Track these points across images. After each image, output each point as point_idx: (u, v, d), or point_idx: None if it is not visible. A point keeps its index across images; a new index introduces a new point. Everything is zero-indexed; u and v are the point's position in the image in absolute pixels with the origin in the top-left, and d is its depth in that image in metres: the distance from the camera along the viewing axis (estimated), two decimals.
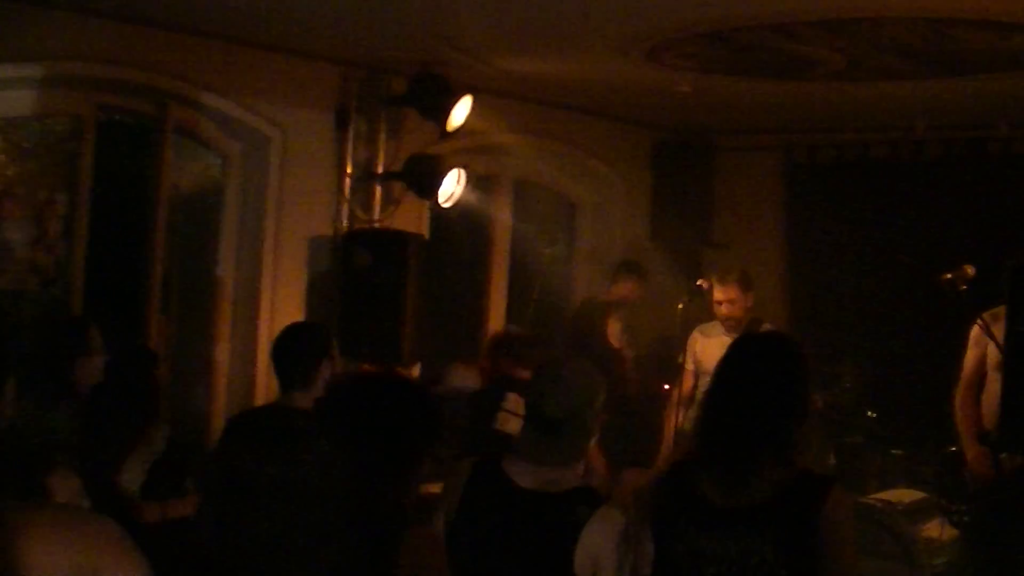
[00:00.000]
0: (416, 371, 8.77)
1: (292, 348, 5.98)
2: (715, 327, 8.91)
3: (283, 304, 8.61)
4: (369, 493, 3.27)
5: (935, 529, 7.72)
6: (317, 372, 5.83)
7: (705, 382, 8.71)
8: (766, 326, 8.83)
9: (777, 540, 3.91)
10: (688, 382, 8.96)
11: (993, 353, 7.18)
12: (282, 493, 2.61)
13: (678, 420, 8.78)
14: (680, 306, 8.70)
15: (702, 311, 8.99)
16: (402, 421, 3.68)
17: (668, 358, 9.33)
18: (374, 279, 8.48)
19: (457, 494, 4.53)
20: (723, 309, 8.77)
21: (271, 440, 2.70)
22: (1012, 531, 6.85)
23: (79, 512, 2.06)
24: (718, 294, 8.76)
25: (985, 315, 7.23)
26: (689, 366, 8.96)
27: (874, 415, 8.96)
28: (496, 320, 10.45)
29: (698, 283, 8.73)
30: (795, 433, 4.05)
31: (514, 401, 7.26)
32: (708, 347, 8.85)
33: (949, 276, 7.36)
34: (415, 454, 3.69)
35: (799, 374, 4.13)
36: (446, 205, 8.93)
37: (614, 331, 10.15)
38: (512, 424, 7.12)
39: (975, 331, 7.41)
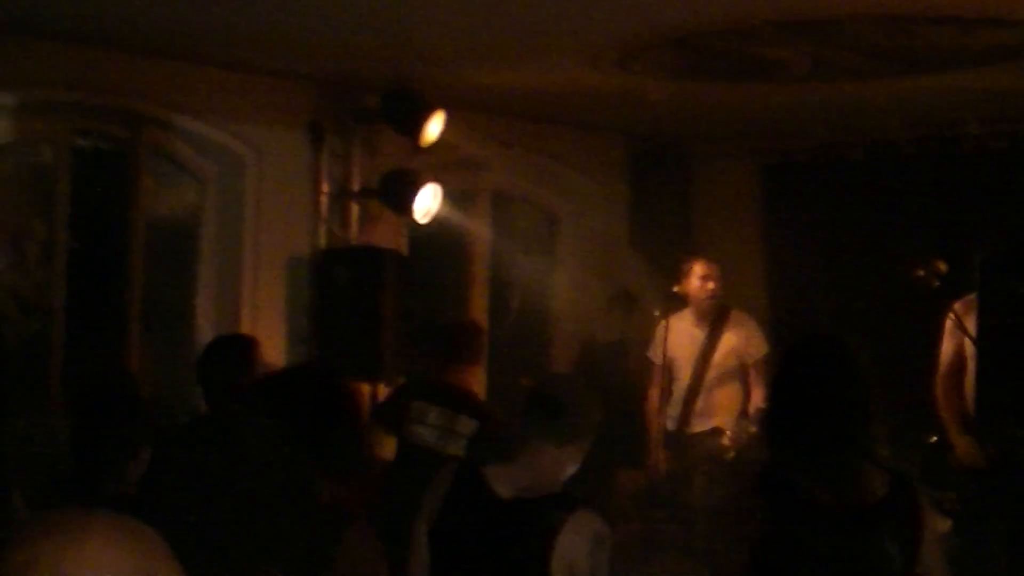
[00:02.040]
0: None
1: (212, 365, 5.98)
2: (684, 317, 8.91)
3: (263, 323, 8.62)
4: (303, 491, 3.28)
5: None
6: (235, 389, 5.64)
7: (680, 376, 8.82)
8: (735, 311, 8.89)
9: (896, 535, 4.11)
10: (661, 377, 8.92)
11: (970, 344, 7.24)
12: (220, 490, 2.65)
13: (661, 418, 8.82)
14: (657, 313, 8.71)
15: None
16: (322, 416, 3.72)
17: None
18: (352, 296, 8.50)
19: (438, 501, 4.55)
20: (709, 285, 8.80)
21: (207, 441, 2.75)
22: (1006, 515, 6.95)
23: (130, 519, 2.09)
24: (701, 269, 8.76)
25: (957, 305, 7.31)
26: (658, 360, 8.91)
27: None
28: None
29: (675, 289, 8.73)
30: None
31: (471, 428, 7.19)
32: (680, 337, 8.85)
33: (922, 272, 7.42)
34: (344, 449, 3.71)
35: (867, 375, 4.29)
36: (423, 221, 8.95)
37: (634, 370, 10.21)
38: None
39: (949, 323, 7.48)
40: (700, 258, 8.85)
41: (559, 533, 4.28)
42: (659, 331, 8.83)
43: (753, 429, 8.26)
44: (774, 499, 4.19)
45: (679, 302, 8.80)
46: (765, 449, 4.53)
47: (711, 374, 8.81)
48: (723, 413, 8.72)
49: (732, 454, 8.45)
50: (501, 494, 4.46)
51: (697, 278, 8.76)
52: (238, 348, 6.09)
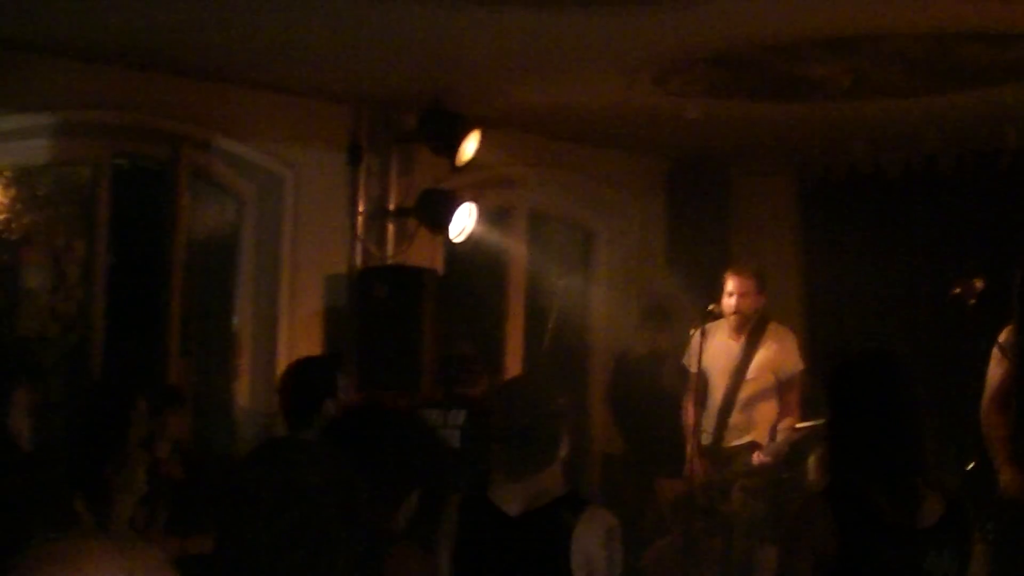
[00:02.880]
0: None
1: (295, 387, 5.90)
2: (719, 327, 8.84)
3: (301, 342, 8.65)
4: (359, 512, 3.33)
5: None
6: (320, 412, 5.68)
7: (715, 388, 8.77)
8: (773, 325, 8.81)
9: (955, 555, 4.17)
10: (696, 386, 8.87)
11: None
12: (284, 503, 2.68)
13: (697, 430, 8.80)
14: (692, 331, 8.68)
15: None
16: (403, 454, 3.80)
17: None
18: (391, 315, 8.53)
19: (453, 531, 4.61)
20: (732, 301, 8.59)
21: (276, 455, 2.79)
22: None
23: (129, 540, 2.10)
24: (730, 284, 8.63)
25: (1002, 336, 7.21)
26: (694, 368, 8.86)
27: None
28: (514, 350, 10.48)
29: (710, 308, 8.68)
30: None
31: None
32: (716, 349, 8.80)
33: (958, 290, 7.38)
34: (409, 485, 3.80)
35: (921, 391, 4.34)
36: (459, 239, 8.97)
37: (670, 383, 10.20)
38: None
39: (996, 349, 7.34)
40: (733, 272, 8.71)
41: (573, 533, 4.41)
42: (695, 340, 8.76)
43: (789, 442, 8.23)
44: (840, 513, 4.17)
45: (715, 319, 8.75)
46: (825, 464, 4.50)
47: (746, 387, 8.73)
48: (759, 428, 8.66)
49: (768, 469, 8.42)
50: (511, 513, 4.53)
51: (726, 292, 8.68)
52: (321, 374, 5.92)
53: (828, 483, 4.38)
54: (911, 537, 4.15)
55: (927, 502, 4.19)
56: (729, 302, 8.61)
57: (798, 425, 8.28)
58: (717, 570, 8.92)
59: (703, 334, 8.63)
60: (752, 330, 8.72)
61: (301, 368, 6.11)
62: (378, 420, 3.97)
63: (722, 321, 8.78)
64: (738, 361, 8.74)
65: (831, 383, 4.43)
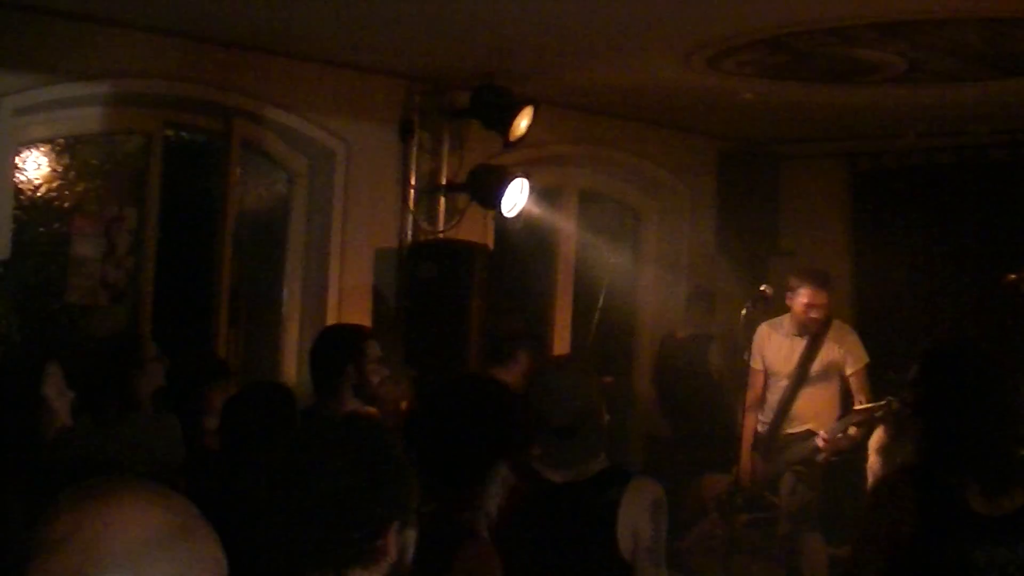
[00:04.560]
0: None
1: (318, 354, 6.04)
2: (782, 325, 8.85)
3: (350, 316, 8.65)
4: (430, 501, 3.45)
5: None
6: (343, 379, 5.82)
7: (777, 384, 8.76)
8: (836, 322, 8.81)
9: None
10: (758, 383, 8.92)
11: None
12: (299, 481, 2.70)
13: (753, 422, 8.81)
14: (743, 312, 8.66)
15: (765, 316, 8.95)
16: (490, 428, 3.87)
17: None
18: (440, 290, 8.54)
19: (497, 498, 4.62)
20: (813, 314, 8.63)
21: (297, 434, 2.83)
22: None
23: (158, 484, 2.12)
24: (808, 297, 8.60)
25: None
26: (757, 365, 8.90)
27: None
28: (562, 330, 10.48)
29: (761, 288, 8.67)
30: None
31: None
32: (779, 347, 8.81)
33: (1013, 277, 7.33)
34: (487, 465, 3.83)
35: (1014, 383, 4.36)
36: (510, 215, 8.97)
37: (715, 365, 10.21)
38: None
39: None
40: (810, 283, 8.67)
41: (620, 505, 4.43)
42: (757, 337, 8.80)
43: (852, 431, 8.21)
44: (925, 500, 4.19)
45: (765, 302, 8.73)
46: (914, 450, 4.46)
47: (808, 383, 8.75)
48: (817, 418, 8.66)
49: (824, 456, 8.41)
50: (555, 480, 4.57)
51: (802, 303, 8.66)
52: (344, 341, 6.05)
53: (912, 465, 4.38)
54: (989, 526, 4.13)
55: (1015, 491, 4.18)
56: (810, 314, 8.62)
57: (856, 408, 8.27)
58: (759, 557, 8.93)
59: (766, 332, 8.72)
60: (816, 329, 8.73)
61: (326, 335, 6.29)
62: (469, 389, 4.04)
63: (784, 319, 8.80)
64: (803, 358, 8.75)
65: (924, 368, 4.43)
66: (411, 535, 2.78)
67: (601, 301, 10.30)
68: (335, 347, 6.00)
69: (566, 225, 10.48)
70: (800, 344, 8.78)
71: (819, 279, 8.66)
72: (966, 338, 6.18)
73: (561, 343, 10.39)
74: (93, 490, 2.04)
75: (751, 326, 8.82)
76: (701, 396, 10.13)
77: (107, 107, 7.86)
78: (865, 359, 8.65)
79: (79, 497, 2.02)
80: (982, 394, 4.25)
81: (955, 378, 4.35)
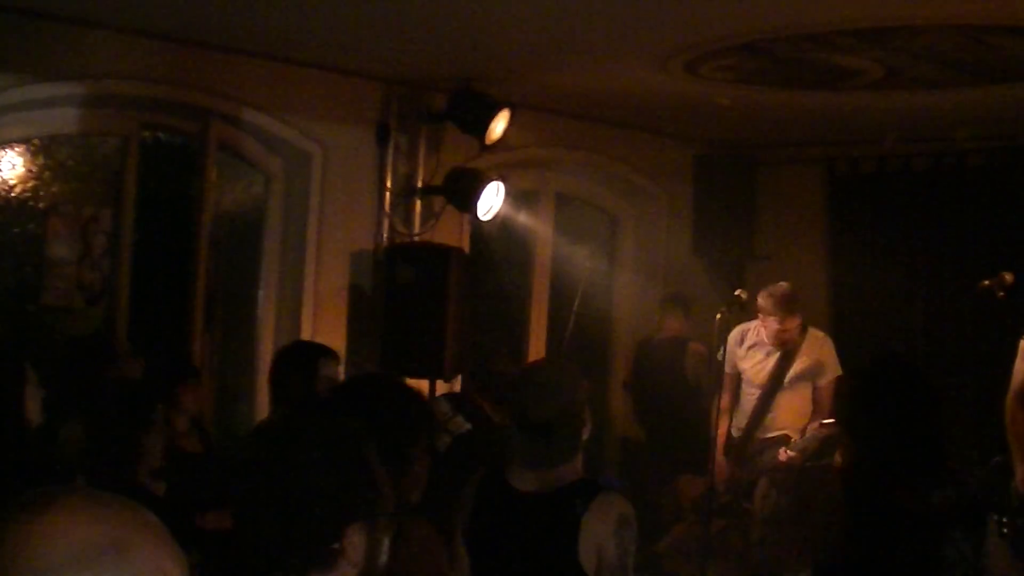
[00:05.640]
0: (458, 384, 8.80)
1: (273, 369, 6.36)
2: (758, 332, 8.88)
3: (325, 318, 8.66)
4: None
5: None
6: (295, 394, 6.06)
7: (750, 390, 8.80)
8: (812, 331, 8.84)
9: (968, 539, 4.39)
10: (732, 388, 8.95)
11: None
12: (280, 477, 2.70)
13: (726, 426, 8.83)
14: (719, 316, 8.67)
15: (740, 321, 8.96)
16: (396, 422, 3.78)
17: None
18: (416, 293, 8.52)
19: (469, 506, 4.62)
20: (783, 336, 8.71)
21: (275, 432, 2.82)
22: None
23: (113, 495, 2.07)
24: (780, 324, 8.68)
25: None
26: (730, 370, 8.93)
27: None
28: (538, 333, 10.49)
29: (736, 293, 8.69)
30: None
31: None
32: (751, 354, 8.86)
33: (987, 283, 7.34)
34: (407, 453, 3.78)
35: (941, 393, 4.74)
36: (486, 218, 8.98)
37: (691, 369, 10.22)
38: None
39: (1022, 344, 7.31)
40: (779, 310, 8.69)
41: (583, 519, 4.36)
42: (730, 342, 8.81)
43: (822, 434, 8.23)
44: (857, 496, 4.36)
45: (740, 307, 8.74)
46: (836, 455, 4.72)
47: (783, 389, 8.79)
48: (790, 424, 8.70)
49: (798, 461, 8.44)
50: (523, 489, 4.52)
51: (773, 329, 8.70)
52: (306, 358, 6.26)
53: (844, 467, 4.62)
54: (925, 520, 4.29)
55: (938, 491, 4.33)
56: (781, 336, 8.67)
57: (826, 421, 8.29)
58: (734, 562, 8.95)
59: (741, 337, 8.75)
60: (792, 343, 8.77)
61: (282, 351, 6.62)
62: (376, 391, 4.00)
63: (760, 326, 8.82)
64: (778, 365, 8.79)
65: (852, 382, 4.80)
66: (384, 540, 2.77)
67: (577, 304, 10.29)
68: (288, 364, 6.29)
69: (542, 228, 10.48)
70: (775, 353, 8.82)
71: (788, 306, 8.69)
72: (896, 354, 6.34)
73: (537, 346, 10.40)
74: (25, 503, 2.00)
75: (726, 330, 8.83)
76: (677, 400, 10.14)
77: (84, 108, 7.83)
78: (838, 371, 8.67)
79: (8, 510, 1.99)
80: (903, 408, 4.47)
81: (878, 393, 4.58)
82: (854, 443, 4.56)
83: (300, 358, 6.28)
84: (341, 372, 6.58)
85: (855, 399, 4.69)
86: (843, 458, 4.71)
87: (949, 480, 4.41)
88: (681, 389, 10.18)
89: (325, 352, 6.38)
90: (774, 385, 8.78)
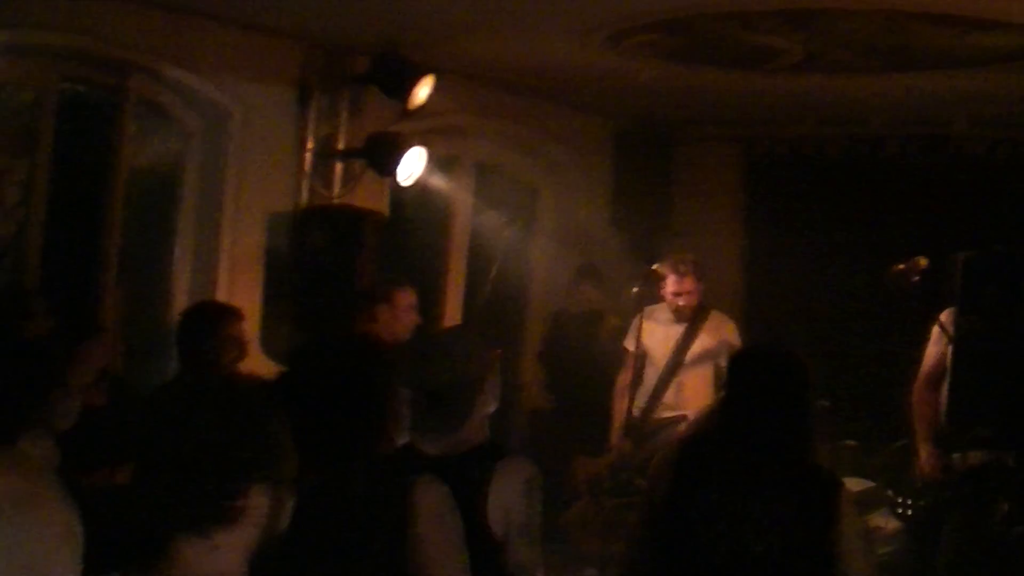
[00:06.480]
0: None
1: (179, 328, 6.62)
2: (662, 311, 8.95)
3: (240, 278, 8.60)
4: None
5: (880, 520, 7.80)
6: (199, 353, 6.31)
7: (652, 368, 8.85)
8: (714, 312, 8.90)
9: (801, 512, 4.77)
10: (632, 366, 8.99)
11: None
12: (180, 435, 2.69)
13: (626, 405, 8.85)
14: (634, 291, 8.72)
15: (654, 296, 9.01)
16: (363, 382, 3.92)
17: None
18: (331, 255, 8.49)
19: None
20: (679, 301, 8.79)
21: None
22: (955, 531, 6.92)
23: (18, 450, 2.08)
24: (673, 285, 8.76)
25: (943, 315, 7.21)
26: (632, 347, 8.96)
27: (827, 405, 9.01)
28: (453, 300, 10.49)
29: (652, 268, 8.74)
30: None
31: None
32: (654, 333, 8.90)
33: (901, 267, 7.40)
34: (380, 408, 3.92)
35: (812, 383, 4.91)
36: (406, 183, 8.96)
37: (604, 343, 10.24)
38: None
39: (935, 330, 7.35)
40: (674, 271, 8.77)
41: (491, 481, 4.37)
42: (635, 321, 8.86)
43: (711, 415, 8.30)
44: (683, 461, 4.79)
45: (655, 283, 8.79)
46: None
47: (683, 370, 8.86)
48: (691, 405, 8.76)
49: None
50: (429, 452, 4.51)
51: (668, 291, 8.78)
52: (210, 318, 6.45)
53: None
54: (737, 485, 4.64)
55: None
56: (676, 301, 8.74)
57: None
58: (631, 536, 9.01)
59: (643, 316, 8.78)
60: (693, 317, 8.83)
61: (188, 311, 6.87)
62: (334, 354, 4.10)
63: (663, 305, 8.88)
64: (678, 344, 8.85)
65: (730, 367, 5.06)
66: (287, 502, 2.77)
67: (493, 274, 10.30)
68: (193, 323, 6.50)
69: (461, 196, 10.47)
70: (677, 331, 8.89)
71: (682, 267, 8.76)
72: (775, 343, 6.57)
73: (452, 314, 10.39)
74: None
75: (640, 305, 8.88)
76: (586, 373, 10.17)
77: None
78: None
79: None
80: (774, 394, 4.75)
81: (751, 379, 4.85)
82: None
83: (205, 318, 6.43)
84: (248, 331, 6.62)
85: (732, 384, 4.95)
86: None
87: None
88: (592, 363, 10.21)
89: (230, 312, 6.50)
90: (675, 362, 8.85)
